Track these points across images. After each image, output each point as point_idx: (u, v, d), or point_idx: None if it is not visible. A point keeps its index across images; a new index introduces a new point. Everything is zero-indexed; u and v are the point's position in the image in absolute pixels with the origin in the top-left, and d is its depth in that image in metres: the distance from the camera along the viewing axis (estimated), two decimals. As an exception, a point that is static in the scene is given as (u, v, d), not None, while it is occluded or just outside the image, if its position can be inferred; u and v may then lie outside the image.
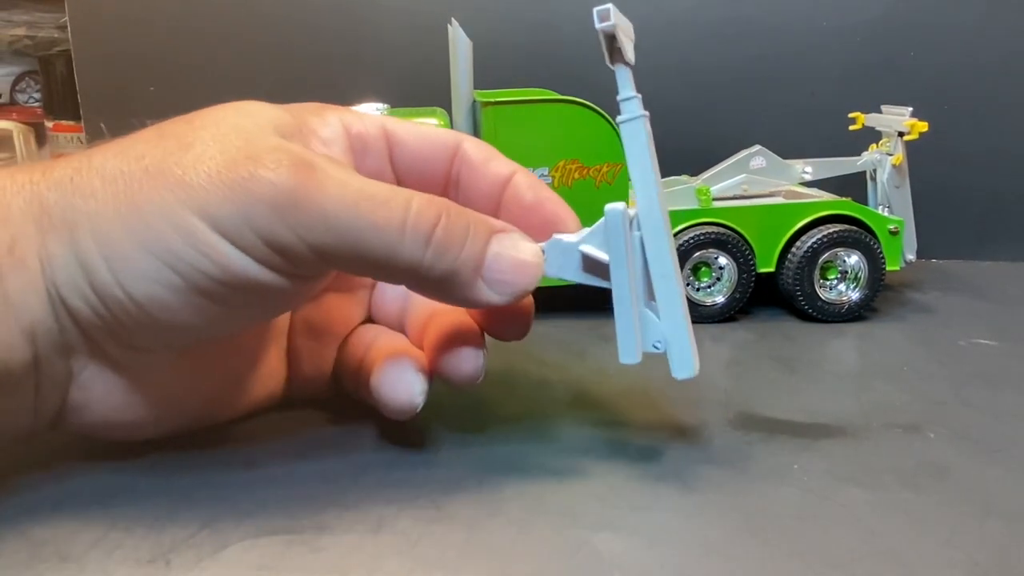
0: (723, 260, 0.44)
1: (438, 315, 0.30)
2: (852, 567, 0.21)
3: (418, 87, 0.55)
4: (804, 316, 0.44)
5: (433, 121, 0.45)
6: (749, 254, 0.44)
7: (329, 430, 0.30)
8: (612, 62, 0.26)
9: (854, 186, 0.50)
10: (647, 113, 0.26)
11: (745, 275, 0.44)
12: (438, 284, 0.25)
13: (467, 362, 0.28)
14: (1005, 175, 0.58)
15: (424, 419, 0.30)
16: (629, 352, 0.26)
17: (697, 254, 0.44)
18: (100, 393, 0.25)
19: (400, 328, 0.31)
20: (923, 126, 0.46)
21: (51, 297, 0.23)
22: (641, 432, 0.30)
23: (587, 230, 0.27)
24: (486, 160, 0.29)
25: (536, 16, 0.59)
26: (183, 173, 0.22)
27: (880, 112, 0.50)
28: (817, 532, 0.23)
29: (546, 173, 0.43)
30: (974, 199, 0.59)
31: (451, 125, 0.45)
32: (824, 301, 0.44)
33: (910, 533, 0.23)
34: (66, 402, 0.25)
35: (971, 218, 0.59)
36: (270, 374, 0.30)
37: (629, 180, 0.43)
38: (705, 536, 0.23)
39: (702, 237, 0.44)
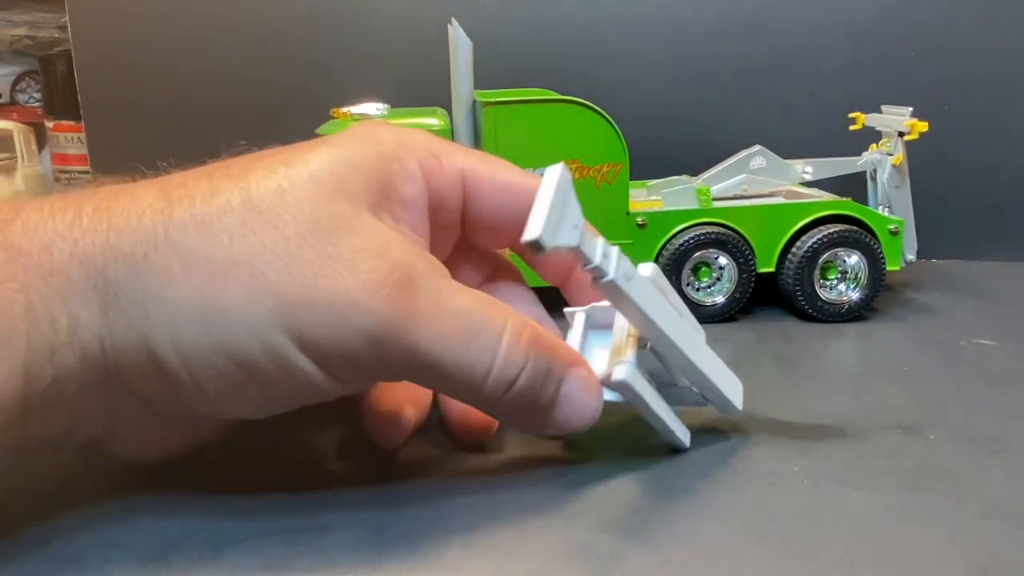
0: (723, 260, 0.44)
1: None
2: (852, 568, 0.21)
3: (418, 87, 0.55)
4: (804, 316, 0.44)
5: (433, 121, 0.45)
6: (749, 254, 0.44)
7: (329, 430, 0.30)
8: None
9: (854, 186, 0.50)
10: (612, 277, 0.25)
11: (745, 275, 0.44)
12: (506, 417, 0.25)
13: (470, 434, 0.28)
14: (1005, 175, 0.58)
15: (428, 418, 0.30)
16: (684, 434, 0.28)
17: (697, 254, 0.44)
18: (132, 435, 0.24)
19: None
20: (923, 126, 0.46)
21: (109, 375, 0.22)
22: (641, 432, 0.30)
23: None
24: None
25: (536, 16, 0.59)
26: (277, 280, 0.21)
27: (880, 112, 0.50)
28: (817, 533, 0.23)
29: (546, 173, 0.43)
30: (974, 199, 0.58)
31: (451, 125, 0.45)
32: (824, 301, 0.44)
33: (910, 534, 0.23)
34: (94, 440, 0.24)
35: (971, 218, 0.59)
36: None
37: (628, 181, 0.44)
38: (705, 537, 0.23)
39: (702, 237, 0.44)
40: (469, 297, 0.24)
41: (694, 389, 0.28)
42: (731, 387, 0.29)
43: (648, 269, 0.27)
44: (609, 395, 0.26)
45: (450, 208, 0.27)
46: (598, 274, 0.24)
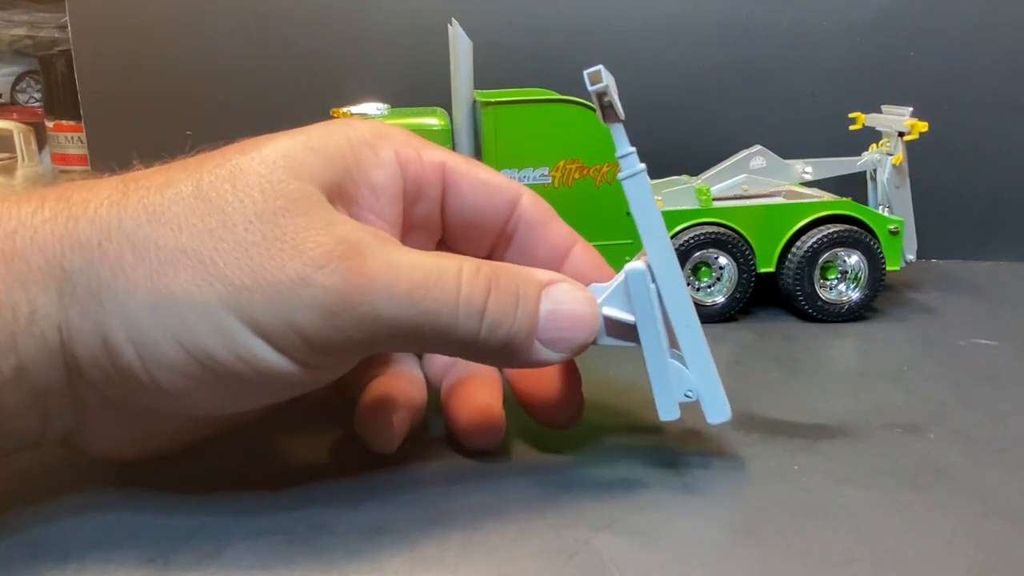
0: (723, 260, 0.44)
1: (463, 373, 0.29)
2: (852, 567, 0.21)
3: (418, 87, 0.55)
4: (804, 316, 0.44)
5: (433, 121, 0.45)
6: (749, 254, 0.44)
7: (329, 430, 0.30)
8: (606, 120, 0.25)
9: (854, 186, 0.50)
10: (645, 166, 0.26)
11: (745, 275, 0.44)
12: (496, 353, 0.24)
13: (478, 441, 0.28)
14: (1005, 175, 0.58)
15: (424, 420, 0.30)
16: (669, 408, 0.26)
17: (697, 254, 0.44)
18: (104, 434, 0.24)
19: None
20: (923, 126, 0.46)
21: (68, 367, 0.22)
22: (641, 432, 0.30)
23: (604, 291, 0.26)
24: (546, 223, 0.28)
25: (536, 16, 0.59)
26: (224, 265, 0.21)
27: (880, 112, 0.50)
28: (817, 532, 0.23)
29: (546, 173, 0.43)
30: (974, 199, 0.59)
31: (451, 125, 0.45)
32: (824, 301, 0.44)
33: (910, 533, 0.23)
34: (68, 437, 0.24)
35: (971, 218, 0.59)
36: None
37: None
38: (705, 536, 0.23)
39: (702, 237, 0.44)
40: (419, 254, 0.23)
41: (688, 372, 0.27)
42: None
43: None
44: (611, 341, 0.26)
45: (429, 199, 0.27)
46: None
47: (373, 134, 0.26)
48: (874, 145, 0.50)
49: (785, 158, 0.49)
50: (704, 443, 0.29)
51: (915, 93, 0.54)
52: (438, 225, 0.28)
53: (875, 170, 0.50)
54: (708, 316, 0.44)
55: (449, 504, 0.25)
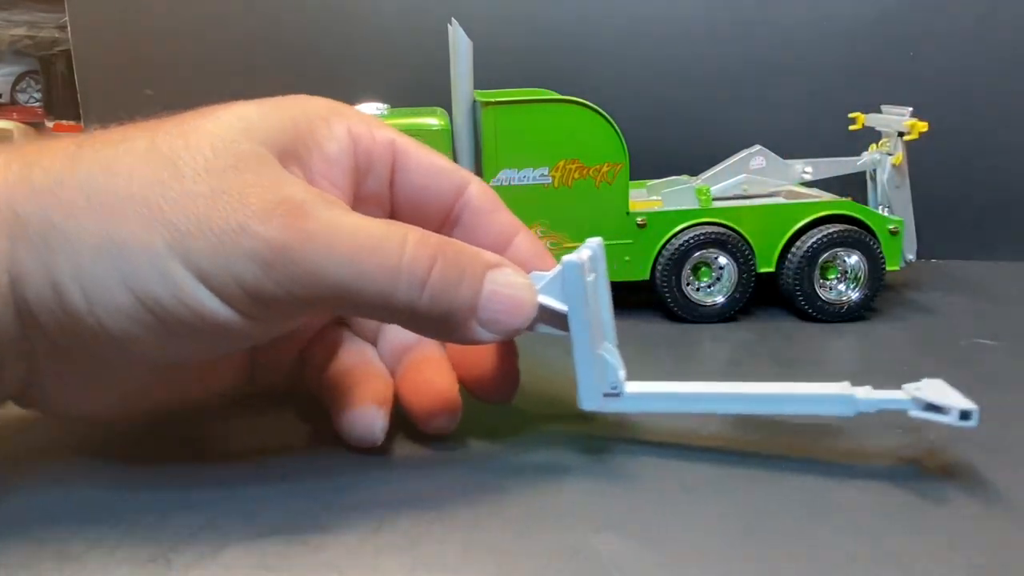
0: (723, 260, 0.44)
1: (417, 358, 0.29)
2: (852, 568, 0.21)
3: (418, 87, 0.55)
4: (804, 316, 0.44)
5: (433, 121, 0.45)
6: (749, 254, 0.44)
7: (329, 430, 0.30)
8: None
9: (854, 186, 0.50)
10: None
11: (745, 275, 0.44)
12: (433, 325, 0.25)
13: (438, 424, 0.28)
14: (1005, 175, 0.58)
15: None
16: (591, 398, 0.27)
17: (697, 254, 0.44)
18: (59, 386, 0.25)
19: (372, 339, 0.31)
20: (923, 126, 0.46)
21: (19, 311, 0.22)
22: (641, 433, 0.30)
23: (542, 279, 0.26)
24: (492, 211, 0.29)
25: (536, 16, 0.59)
26: (171, 212, 0.22)
27: (880, 112, 0.50)
28: (816, 533, 0.23)
29: (546, 173, 0.43)
30: (974, 199, 0.59)
31: (451, 125, 0.45)
32: (824, 301, 0.44)
33: (910, 534, 0.23)
34: (24, 391, 0.25)
35: (971, 218, 0.59)
36: (233, 366, 0.30)
37: (628, 181, 0.44)
38: (704, 537, 0.23)
39: (702, 237, 0.44)
40: (367, 219, 0.24)
41: (617, 367, 0.27)
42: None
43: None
44: (544, 328, 0.26)
45: (378, 175, 0.28)
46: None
47: (328, 109, 0.27)
48: (874, 145, 0.50)
49: (785, 158, 0.49)
50: (704, 444, 0.29)
51: (915, 93, 0.54)
52: (387, 202, 0.28)
53: (875, 170, 0.50)
54: (708, 316, 0.44)
55: (449, 504, 0.25)
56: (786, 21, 0.58)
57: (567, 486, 0.26)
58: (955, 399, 0.25)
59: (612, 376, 0.27)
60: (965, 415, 0.25)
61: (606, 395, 0.27)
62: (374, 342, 0.32)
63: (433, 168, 0.28)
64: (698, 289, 0.44)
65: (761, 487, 0.26)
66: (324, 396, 0.29)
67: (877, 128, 0.50)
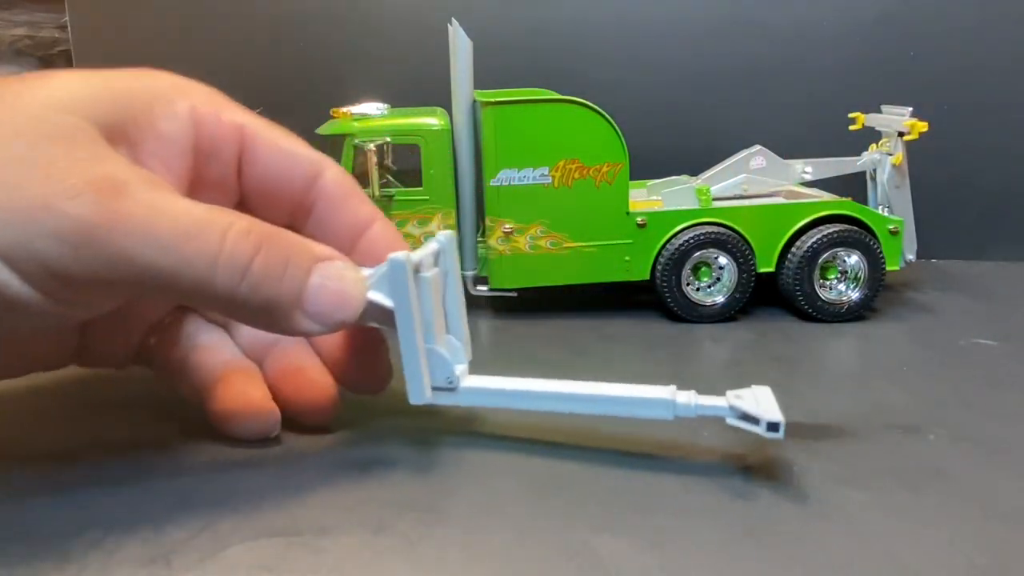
0: (723, 260, 0.44)
1: (287, 351, 0.29)
2: (851, 568, 0.21)
3: (418, 87, 0.55)
4: (804, 316, 0.44)
5: (433, 121, 0.45)
6: (749, 254, 0.44)
7: (329, 432, 0.30)
8: None
9: (854, 186, 0.50)
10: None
11: (745, 275, 0.44)
12: (254, 315, 0.24)
13: (319, 418, 0.28)
14: (1005, 175, 0.58)
15: (423, 421, 0.30)
16: (418, 392, 0.27)
17: (697, 254, 0.44)
18: None
19: (222, 324, 0.31)
20: (923, 126, 0.46)
21: None
22: (640, 433, 0.30)
23: (373, 275, 0.26)
24: (345, 197, 0.28)
25: (536, 16, 0.59)
26: None
27: (880, 112, 0.50)
28: (816, 533, 0.23)
29: (546, 173, 0.43)
30: (974, 199, 0.59)
31: (451, 125, 0.45)
32: (824, 301, 0.44)
33: (910, 535, 0.23)
34: None
35: (971, 218, 0.59)
36: (57, 342, 0.29)
37: (628, 181, 0.44)
38: (704, 537, 0.23)
39: (702, 237, 0.44)
40: (191, 204, 0.23)
41: (451, 361, 0.28)
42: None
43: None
44: (376, 295, 0.26)
45: (223, 161, 0.27)
46: None
47: (172, 87, 0.26)
48: (874, 145, 0.50)
49: (785, 158, 0.49)
50: (704, 444, 0.29)
51: (915, 93, 0.54)
52: (234, 187, 0.28)
53: (875, 170, 0.50)
54: (708, 316, 0.44)
55: (449, 506, 0.25)
56: (786, 21, 0.58)
57: (567, 487, 0.26)
58: (768, 410, 0.26)
59: (447, 370, 0.27)
60: (773, 427, 0.25)
61: (438, 389, 0.27)
62: (224, 327, 0.31)
63: (283, 154, 0.27)
64: (698, 289, 0.44)
65: (761, 488, 0.26)
66: (187, 384, 0.29)
67: (877, 128, 0.50)
